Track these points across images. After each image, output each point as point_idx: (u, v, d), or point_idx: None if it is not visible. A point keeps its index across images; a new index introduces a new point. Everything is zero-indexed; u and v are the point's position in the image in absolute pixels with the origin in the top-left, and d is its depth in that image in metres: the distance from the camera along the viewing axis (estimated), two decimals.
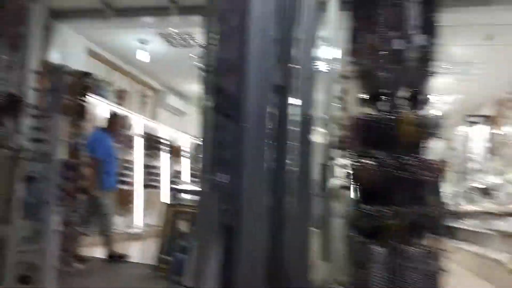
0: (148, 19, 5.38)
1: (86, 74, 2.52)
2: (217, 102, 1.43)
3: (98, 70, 6.59)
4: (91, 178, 3.74)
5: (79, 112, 2.49)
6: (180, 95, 9.63)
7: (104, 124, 4.54)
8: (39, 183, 2.35)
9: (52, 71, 2.50)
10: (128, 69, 7.71)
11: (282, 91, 1.46)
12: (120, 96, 7.11)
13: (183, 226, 4.52)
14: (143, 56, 6.56)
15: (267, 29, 1.42)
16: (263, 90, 1.43)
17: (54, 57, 5.05)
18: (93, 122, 4.02)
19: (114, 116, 4.69)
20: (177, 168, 9.55)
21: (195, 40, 6.25)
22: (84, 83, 2.50)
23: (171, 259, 4.25)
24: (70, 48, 5.68)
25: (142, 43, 6.40)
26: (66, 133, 2.54)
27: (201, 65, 1.53)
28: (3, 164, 2.03)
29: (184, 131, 9.70)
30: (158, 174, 8.40)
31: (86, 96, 2.51)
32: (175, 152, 9.30)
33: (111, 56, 7.12)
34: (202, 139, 1.43)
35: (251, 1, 1.40)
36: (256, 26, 1.41)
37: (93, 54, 6.67)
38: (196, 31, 5.86)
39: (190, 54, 6.02)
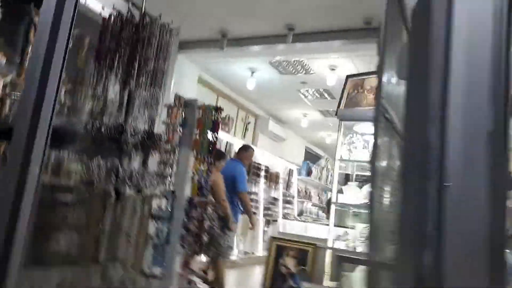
0: (258, 48, 5.37)
1: (218, 109, 2.43)
2: (407, 155, 1.13)
3: (205, 96, 6.78)
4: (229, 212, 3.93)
5: (209, 148, 2.40)
6: (280, 120, 9.58)
7: (237, 155, 4.68)
8: (164, 222, 2.28)
9: (184, 106, 2.45)
10: (233, 96, 7.85)
11: (497, 139, 1.10)
12: (225, 123, 7.22)
13: (288, 262, 4.29)
14: (252, 84, 6.61)
15: (475, 60, 1.08)
16: (471, 138, 1.09)
17: (169, 85, 5.26)
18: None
19: (247, 148, 4.83)
20: (274, 194, 9.46)
21: (305, 67, 6.13)
22: (215, 118, 2.42)
23: None
24: (185, 77, 5.89)
25: (252, 71, 6.44)
26: (194, 168, 2.46)
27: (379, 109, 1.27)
28: (135, 204, 1.96)
29: (281, 157, 9.60)
30: (256, 201, 8.33)
31: (217, 131, 2.41)
32: (273, 178, 9.21)
33: (218, 83, 7.31)
34: (380, 203, 1.15)
35: (454, 26, 1.09)
36: (460, 57, 1.08)
37: (201, 81, 6.89)
38: (307, 57, 5.74)
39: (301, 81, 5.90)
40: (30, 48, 4.55)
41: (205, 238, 2.41)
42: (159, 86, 2.05)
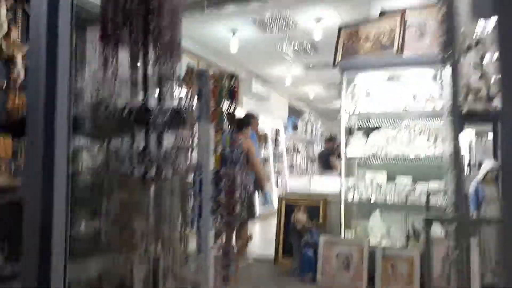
0: (240, 5, 5.13)
1: (233, 77, 2.31)
2: None
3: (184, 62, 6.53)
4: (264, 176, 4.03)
5: (229, 118, 2.30)
6: (263, 80, 9.42)
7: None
8: (196, 198, 2.22)
9: (197, 76, 2.32)
10: (214, 60, 7.61)
11: None
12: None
13: (301, 218, 4.33)
14: (235, 46, 6.39)
15: None
16: None
17: None
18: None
19: (253, 116, 4.83)
20: (264, 154, 9.47)
21: (288, 23, 5.94)
22: (231, 86, 2.31)
23: (295, 255, 4.11)
24: None
25: (234, 32, 6.21)
26: (216, 140, 2.37)
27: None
28: (172, 183, 1.88)
29: (267, 116, 9.54)
30: None
31: (235, 99, 2.31)
32: (262, 138, 9.19)
33: (198, 48, 7.04)
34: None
35: None
36: None
37: None
38: (291, 11, 5.54)
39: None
40: None
41: (238, 208, 2.37)
42: (177, 58, 1.91)
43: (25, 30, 4.59)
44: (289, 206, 4.61)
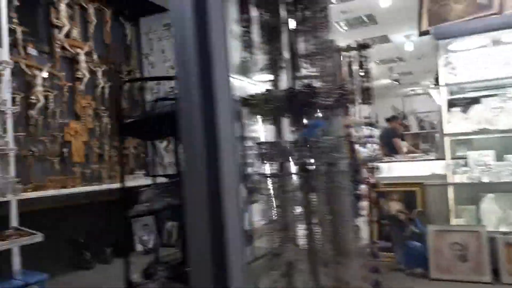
0: None
1: (364, 46, 1.94)
2: None
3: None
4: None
5: (364, 96, 1.94)
6: None
7: None
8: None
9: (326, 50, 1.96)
10: None
11: None
12: None
13: (395, 206, 3.95)
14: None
15: None
16: None
17: None
18: None
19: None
20: None
21: None
22: (362, 58, 1.94)
23: (396, 248, 3.74)
24: None
25: None
26: (351, 123, 2.02)
27: None
28: (338, 177, 1.56)
29: None
30: None
31: (368, 74, 1.94)
32: None
33: None
34: None
35: None
36: None
37: None
38: None
39: None
40: (56, 32, 3.95)
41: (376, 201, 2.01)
42: (327, 27, 1.57)
43: (84, 26, 4.36)
44: (381, 194, 4.21)
